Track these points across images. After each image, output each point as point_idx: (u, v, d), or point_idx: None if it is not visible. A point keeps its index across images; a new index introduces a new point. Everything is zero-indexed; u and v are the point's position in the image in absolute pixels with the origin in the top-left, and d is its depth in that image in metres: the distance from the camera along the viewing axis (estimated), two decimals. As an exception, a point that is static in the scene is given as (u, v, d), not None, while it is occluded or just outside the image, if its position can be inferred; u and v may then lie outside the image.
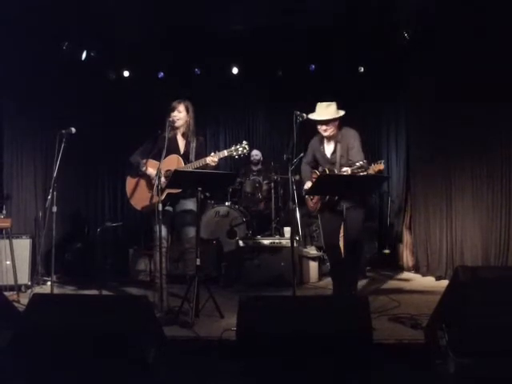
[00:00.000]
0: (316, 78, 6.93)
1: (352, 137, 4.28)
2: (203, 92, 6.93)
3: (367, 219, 4.68)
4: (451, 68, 5.47)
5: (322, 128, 4.28)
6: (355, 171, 3.85)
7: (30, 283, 5.31)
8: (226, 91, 7.27)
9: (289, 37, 6.09)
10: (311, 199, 4.48)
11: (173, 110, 4.28)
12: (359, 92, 6.77)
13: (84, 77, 6.42)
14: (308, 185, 4.33)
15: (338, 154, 4.26)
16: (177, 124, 4.29)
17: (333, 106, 4.24)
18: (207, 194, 6.18)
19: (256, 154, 7.03)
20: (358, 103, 6.61)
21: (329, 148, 4.38)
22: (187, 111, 4.33)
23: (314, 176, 4.35)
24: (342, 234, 4.41)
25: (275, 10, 5.59)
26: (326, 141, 4.39)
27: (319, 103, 4.29)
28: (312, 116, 4.25)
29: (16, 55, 5.64)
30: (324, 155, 4.38)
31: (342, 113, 4.26)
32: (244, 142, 4.17)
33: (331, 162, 4.31)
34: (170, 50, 6.57)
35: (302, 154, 5.32)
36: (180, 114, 4.29)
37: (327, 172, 4.18)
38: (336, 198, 4.17)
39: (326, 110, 4.22)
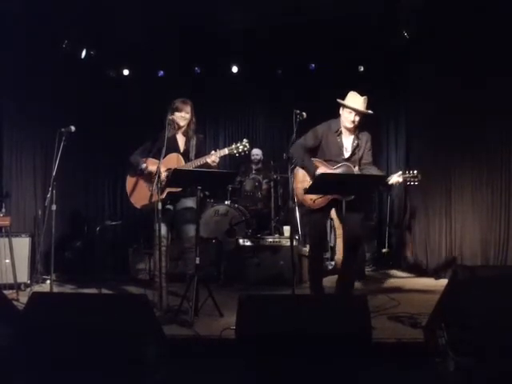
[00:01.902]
0: (316, 77, 6.93)
1: (370, 139, 4.30)
2: (203, 91, 6.94)
3: (367, 218, 4.65)
4: (451, 68, 5.48)
5: (351, 118, 4.14)
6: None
7: (29, 282, 5.31)
8: (225, 91, 7.25)
9: (289, 37, 6.09)
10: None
11: (179, 110, 4.24)
12: (359, 92, 6.74)
13: (84, 75, 6.41)
14: (321, 170, 4.11)
15: (359, 149, 4.23)
16: (182, 124, 4.29)
17: (366, 101, 4.19)
18: (207, 193, 6.17)
19: (257, 153, 7.01)
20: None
21: (347, 142, 4.25)
22: (192, 111, 4.33)
23: (329, 167, 4.19)
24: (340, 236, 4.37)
25: (275, 10, 5.58)
26: (344, 133, 4.25)
27: (354, 92, 4.19)
28: (352, 104, 4.12)
29: (16, 55, 5.63)
30: (340, 147, 4.23)
31: (371, 112, 4.22)
32: (244, 140, 4.16)
33: (347, 157, 4.20)
34: (169, 49, 6.56)
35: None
36: (187, 115, 4.28)
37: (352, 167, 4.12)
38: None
39: (363, 104, 4.16)
